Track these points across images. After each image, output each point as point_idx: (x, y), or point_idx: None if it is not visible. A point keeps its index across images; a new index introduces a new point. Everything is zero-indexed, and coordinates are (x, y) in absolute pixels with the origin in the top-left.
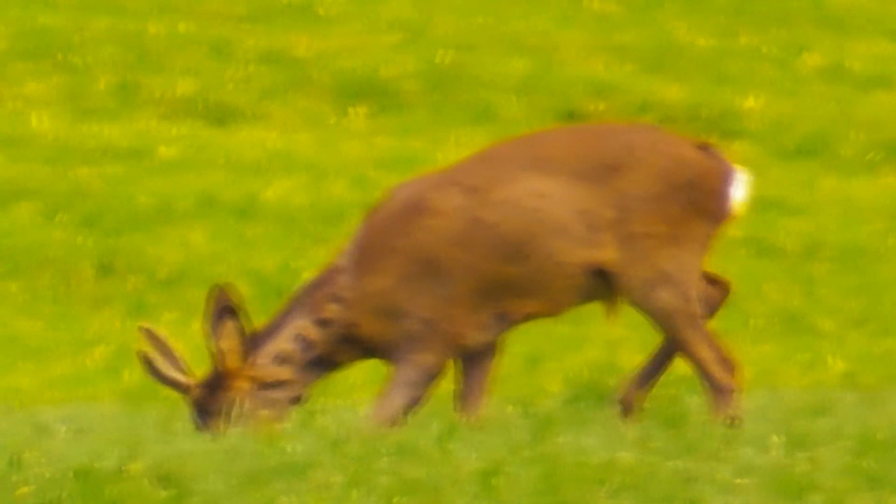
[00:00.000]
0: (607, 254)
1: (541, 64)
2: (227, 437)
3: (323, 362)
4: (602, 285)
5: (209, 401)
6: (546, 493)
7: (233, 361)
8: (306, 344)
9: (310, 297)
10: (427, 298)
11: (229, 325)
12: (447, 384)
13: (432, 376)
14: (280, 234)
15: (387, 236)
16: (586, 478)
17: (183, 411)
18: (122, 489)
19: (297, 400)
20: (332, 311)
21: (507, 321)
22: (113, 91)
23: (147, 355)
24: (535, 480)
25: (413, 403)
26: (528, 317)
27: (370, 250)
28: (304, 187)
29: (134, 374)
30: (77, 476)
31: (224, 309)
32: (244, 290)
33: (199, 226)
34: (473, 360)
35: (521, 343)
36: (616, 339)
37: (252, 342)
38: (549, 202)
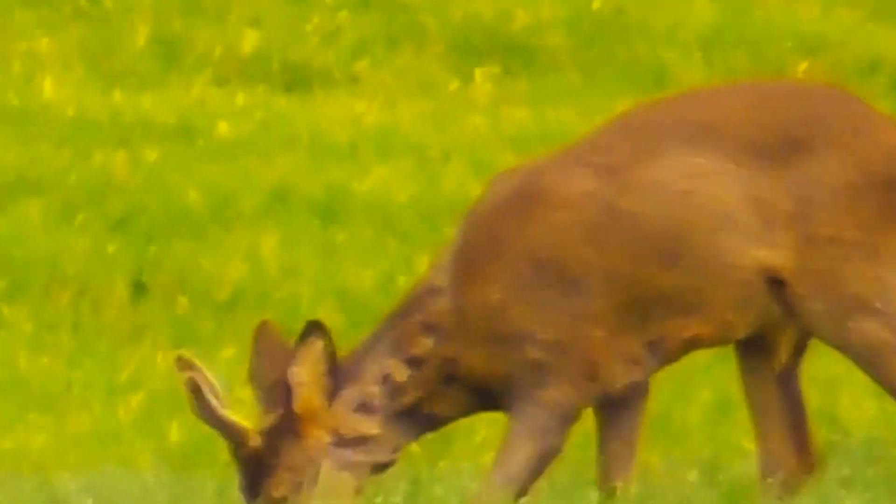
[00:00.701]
0: (784, 259)
1: (731, 10)
2: None
3: (417, 414)
4: (780, 303)
5: (270, 457)
6: None
7: (314, 400)
8: (394, 389)
9: (395, 327)
10: (552, 315)
11: (317, 348)
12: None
13: (567, 419)
14: (377, 239)
15: (494, 238)
16: None
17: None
18: None
19: (381, 467)
20: (425, 346)
21: (662, 351)
22: (153, 48)
23: (197, 383)
24: None
25: (544, 459)
26: (690, 344)
27: (472, 259)
28: (410, 176)
29: (181, 429)
30: None
31: (312, 326)
32: (329, 316)
33: (269, 229)
34: (617, 409)
35: (702, 384)
36: (833, 376)
37: (333, 384)
38: (711, 184)
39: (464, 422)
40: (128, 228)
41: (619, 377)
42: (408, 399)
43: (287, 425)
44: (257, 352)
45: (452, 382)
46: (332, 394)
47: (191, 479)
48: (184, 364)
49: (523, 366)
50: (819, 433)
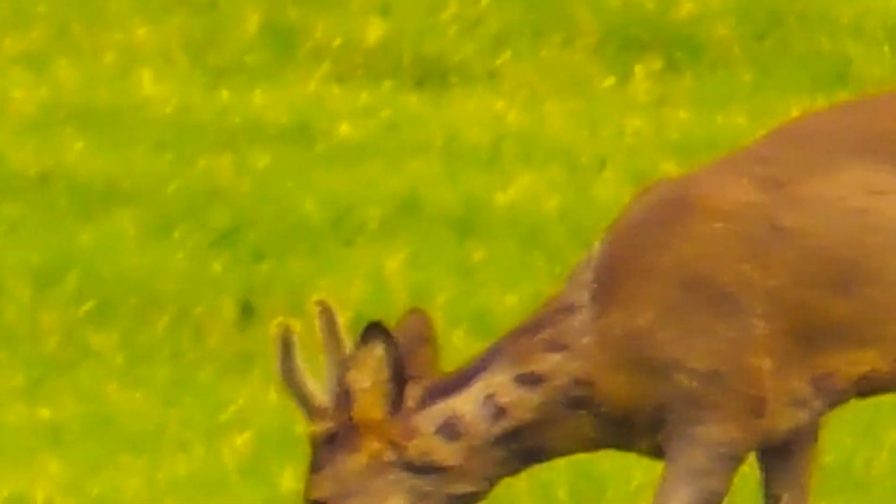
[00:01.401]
0: None
1: None
2: None
3: (515, 445)
4: None
5: (322, 455)
6: None
7: (374, 409)
8: (496, 410)
9: (514, 343)
10: (708, 341)
11: (378, 353)
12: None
13: (730, 460)
14: (521, 256)
15: (639, 253)
16: None
17: None
18: None
19: (458, 499)
20: (550, 362)
21: (831, 390)
22: (264, 38)
23: (290, 335)
24: None
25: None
26: (862, 382)
27: (615, 276)
28: (558, 185)
29: (295, 474)
30: None
31: (373, 329)
32: (466, 344)
33: (396, 244)
34: (783, 456)
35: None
36: None
37: (407, 398)
38: (891, 203)
39: (617, 466)
40: (234, 243)
41: (785, 417)
42: (508, 425)
43: (346, 431)
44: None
45: (580, 409)
46: (398, 405)
47: None
48: (323, 312)
49: (675, 399)
50: None
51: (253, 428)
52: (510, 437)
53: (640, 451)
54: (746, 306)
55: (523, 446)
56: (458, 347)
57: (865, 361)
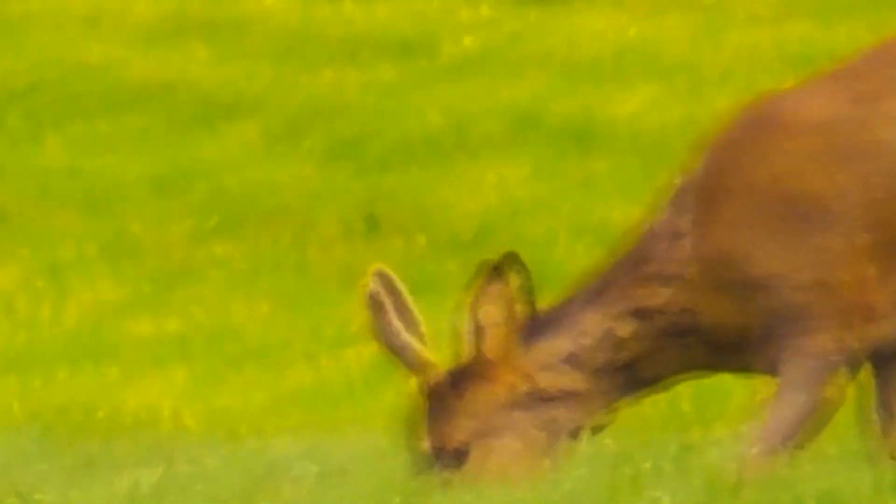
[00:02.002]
0: None
1: None
2: (561, 484)
3: (632, 372)
4: None
5: (453, 399)
6: None
7: (507, 343)
8: (614, 344)
9: (626, 274)
10: (813, 253)
11: (498, 291)
12: None
13: (840, 366)
14: (643, 168)
15: (735, 172)
16: None
17: None
18: None
19: (577, 431)
20: (661, 296)
21: None
22: None
23: (379, 295)
24: None
25: (820, 412)
26: None
27: (712, 196)
28: (679, 97)
29: (410, 385)
30: None
31: (508, 260)
32: (588, 256)
33: (514, 157)
34: (889, 364)
35: None
36: None
37: (533, 329)
38: None
39: (741, 380)
40: (359, 155)
41: (888, 321)
42: (627, 355)
43: (477, 368)
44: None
45: (686, 337)
46: (531, 339)
47: None
48: (382, 280)
49: (782, 314)
50: None
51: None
52: (629, 367)
53: (752, 371)
54: (846, 217)
55: (641, 375)
56: (581, 259)
57: None
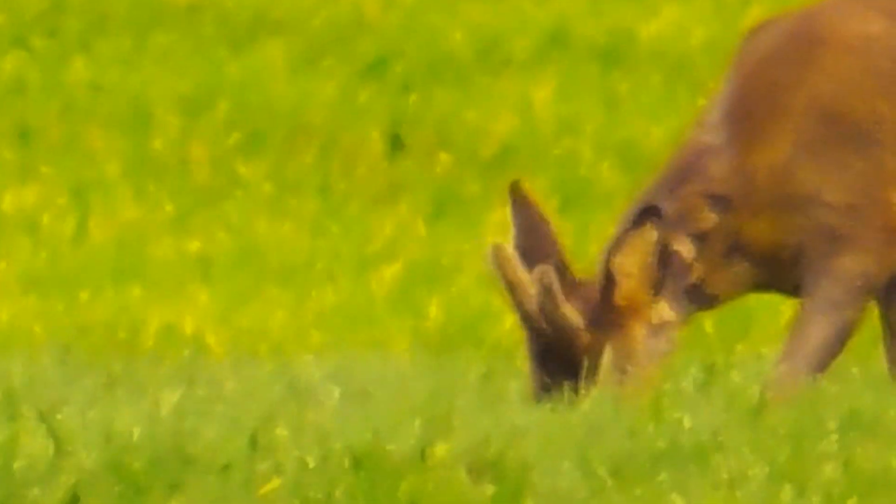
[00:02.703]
0: None
1: None
2: (581, 404)
3: (697, 294)
4: None
5: (595, 354)
6: None
7: (639, 293)
8: (683, 268)
9: (676, 199)
10: (844, 175)
11: (651, 238)
12: None
13: (865, 292)
14: (667, 88)
15: (773, 90)
16: None
17: (511, 368)
18: (425, 482)
19: (669, 356)
20: (712, 220)
21: None
22: None
23: (550, 279)
24: None
25: (841, 335)
26: None
27: (750, 115)
28: (705, 17)
29: (442, 305)
30: (358, 463)
31: (649, 212)
32: (611, 175)
33: (543, 76)
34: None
35: None
36: None
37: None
38: None
39: (764, 302)
40: (382, 74)
41: None
42: (695, 277)
43: (607, 317)
44: (519, 225)
45: (734, 256)
46: (659, 287)
47: (453, 363)
48: (500, 256)
49: (813, 234)
50: None
51: (401, 259)
52: (693, 289)
53: (794, 293)
54: (879, 141)
55: (702, 295)
56: (605, 178)
57: None
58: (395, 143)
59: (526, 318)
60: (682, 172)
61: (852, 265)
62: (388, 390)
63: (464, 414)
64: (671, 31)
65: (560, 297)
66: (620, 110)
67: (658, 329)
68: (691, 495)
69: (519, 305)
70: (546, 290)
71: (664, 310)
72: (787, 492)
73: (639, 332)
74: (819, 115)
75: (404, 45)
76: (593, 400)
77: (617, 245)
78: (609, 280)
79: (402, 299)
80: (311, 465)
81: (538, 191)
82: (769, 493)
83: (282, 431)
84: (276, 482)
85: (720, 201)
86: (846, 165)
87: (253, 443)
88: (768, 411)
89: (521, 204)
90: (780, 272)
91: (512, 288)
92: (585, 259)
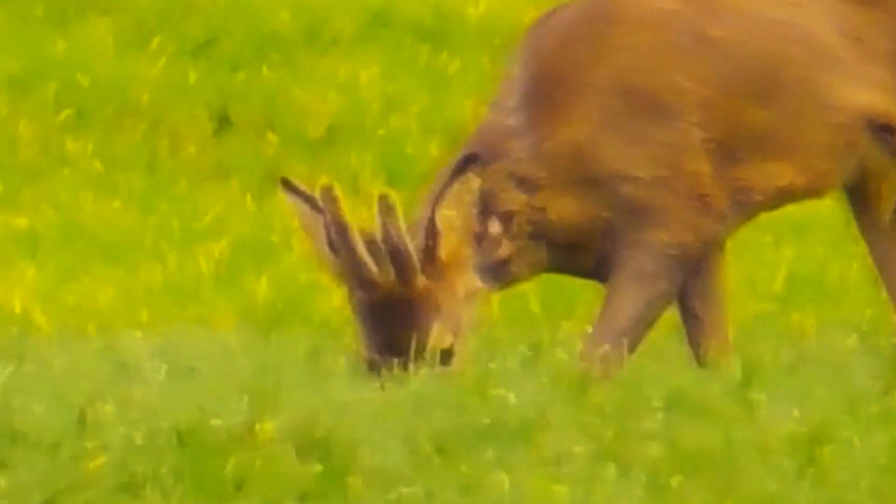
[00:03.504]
0: (891, 103)
1: None
2: (407, 382)
3: (502, 272)
4: (888, 152)
5: (429, 307)
6: None
7: (462, 247)
8: (491, 244)
9: (482, 177)
10: (648, 148)
11: (473, 187)
12: None
13: (678, 261)
14: (493, 68)
15: (572, 69)
16: None
17: (339, 344)
18: (250, 460)
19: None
20: (519, 201)
21: (749, 202)
22: None
23: (336, 197)
24: (886, 450)
25: (654, 306)
26: (779, 195)
27: (550, 95)
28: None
29: (270, 283)
30: (183, 440)
31: (470, 159)
32: (431, 151)
33: (367, 55)
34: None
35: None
36: None
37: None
38: (805, 15)
39: (588, 281)
40: (210, 53)
41: (727, 223)
42: (503, 255)
43: (432, 272)
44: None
45: (539, 236)
46: (482, 237)
47: (280, 340)
48: (328, 198)
49: (622, 208)
50: None
51: (229, 236)
52: (499, 266)
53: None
54: (681, 113)
55: (506, 272)
56: (431, 157)
57: (783, 175)
58: (223, 122)
59: (358, 269)
60: (487, 153)
61: (664, 236)
62: (215, 367)
63: (291, 391)
64: (498, 11)
65: (401, 221)
66: (446, 89)
67: (469, 297)
68: (516, 472)
69: (352, 255)
70: (387, 211)
71: (472, 278)
72: (611, 470)
73: (460, 291)
74: (619, 91)
75: (232, 25)
76: (420, 377)
77: (441, 196)
78: (433, 233)
79: (229, 277)
80: (139, 442)
81: (363, 169)
82: (593, 470)
83: (109, 408)
84: (102, 459)
85: (525, 182)
86: (649, 139)
87: (80, 420)
88: (593, 389)
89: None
90: (584, 252)
91: (343, 235)
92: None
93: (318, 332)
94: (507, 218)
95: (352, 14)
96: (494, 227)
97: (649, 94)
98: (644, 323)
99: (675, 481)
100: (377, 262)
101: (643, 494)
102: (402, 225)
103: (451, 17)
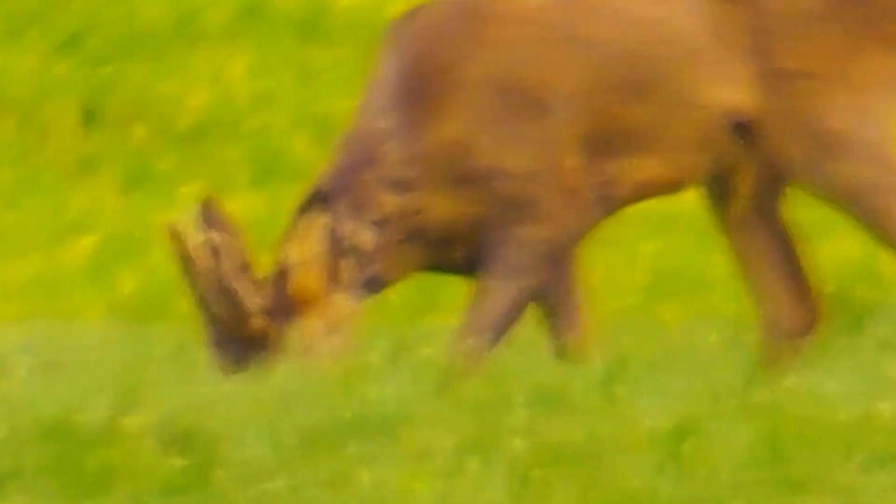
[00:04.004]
0: (749, 98)
1: None
2: (271, 377)
3: (373, 285)
4: (750, 149)
5: (274, 341)
6: (764, 463)
7: (311, 283)
8: (366, 260)
9: (353, 187)
10: (520, 144)
11: (319, 224)
12: None
13: (546, 257)
14: (357, 63)
15: (443, 67)
16: (825, 441)
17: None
18: (115, 455)
19: (344, 338)
20: (392, 204)
21: (611, 197)
22: None
23: (217, 245)
24: (748, 444)
25: (521, 300)
26: (641, 190)
27: (421, 94)
28: None
29: (136, 277)
30: (47, 435)
31: (316, 197)
32: (306, 150)
33: (239, 49)
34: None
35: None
36: None
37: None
38: (670, 13)
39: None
40: (78, 48)
41: (593, 217)
42: (378, 267)
43: (282, 308)
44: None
45: (412, 239)
46: (335, 276)
47: (145, 334)
48: (206, 213)
49: (495, 204)
50: (858, 290)
51: (95, 232)
52: (372, 278)
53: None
54: (552, 108)
55: (379, 281)
56: (299, 151)
57: (646, 168)
58: (90, 117)
59: (201, 302)
60: (357, 160)
61: (534, 232)
62: (79, 362)
63: (155, 385)
64: (367, 4)
65: (231, 267)
66: (316, 83)
67: (338, 324)
68: (379, 467)
69: (193, 286)
70: (214, 254)
71: (342, 303)
72: (474, 463)
73: (315, 325)
74: (491, 87)
75: (100, 19)
76: (283, 372)
77: (288, 234)
78: (282, 270)
79: (95, 271)
80: (1, 435)
81: (232, 164)
82: (456, 464)
83: None
84: None
85: (398, 184)
86: (521, 134)
87: None
88: (456, 384)
89: (211, 218)
90: (458, 250)
91: (186, 265)
92: (278, 231)
93: (183, 327)
94: (381, 225)
95: (221, 7)
96: (368, 239)
97: (519, 90)
98: (511, 318)
99: (538, 475)
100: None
101: (507, 488)
102: (230, 265)
103: (319, 9)
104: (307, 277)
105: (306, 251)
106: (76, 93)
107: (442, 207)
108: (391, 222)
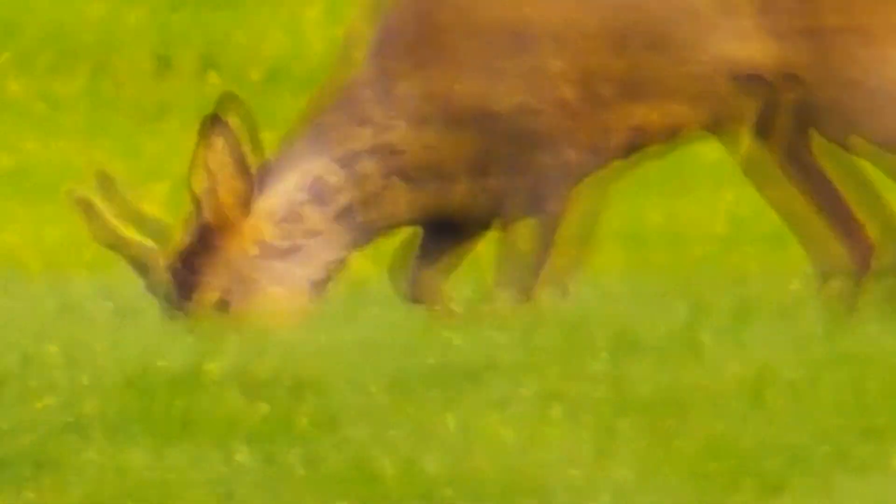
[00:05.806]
0: (761, 54)
1: None
2: (355, 323)
3: (353, 221)
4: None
5: (188, 272)
6: (849, 411)
7: (226, 207)
8: (325, 193)
9: (322, 124)
10: (510, 80)
11: (218, 147)
12: None
13: (564, 182)
14: None
15: (424, 14)
16: None
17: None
18: (198, 401)
19: (321, 283)
20: (361, 138)
21: (604, 150)
22: None
23: (90, 200)
24: (832, 392)
25: (554, 228)
26: (634, 136)
27: (406, 41)
28: None
29: None
30: (130, 381)
31: (212, 121)
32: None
33: None
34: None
35: None
36: None
37: (264, 178)
38: None
39: None
40: None
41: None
42: (341, 202)
43: (202, 241)
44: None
45: (395, 178)
46: (249, 198)
47: None
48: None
49: (496, 143)
50: None
51: (169, 177)
52: (344, 215)
53: (478, 225)
54: (536, 44)
55: (358, 222)
56: None
57: (638, 114)
58: (163, 63)
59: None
60: (342, 99)
61: (548, 158)
62: (157, 307)
63: (236, 331)
64: None
65: (111, 221)
66: None
67: (283, 252)
68: (463, 413)
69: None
70: (85, 208)
71: (289, 233)
72: (557, 410)
73: (242, 252)
74: (471, 28)
75: None
76: (367, 318)
77: (207, 150)
78: (195, 201)
79: (168, 217)
80: (85, 382)
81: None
82: (540, 411)
83: (53, 349)
84: (48, 399)
85: (370, 121)
86: (509, 70)
87: (24, 360)
88: (539, 331)
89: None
90: (447, 194)
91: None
92: None
93: None
94: (349, 160)
95: None
96: (332, 174)
97: (499, 27)
98: (549, 248)
99: (622, 423)
100: None
101: (592, 436)
102: (106, 216)
103: None
104: (221, 203)
105: (210, 177)
106: (149, 40)
107: (424, 147)
108: (362, 157)
